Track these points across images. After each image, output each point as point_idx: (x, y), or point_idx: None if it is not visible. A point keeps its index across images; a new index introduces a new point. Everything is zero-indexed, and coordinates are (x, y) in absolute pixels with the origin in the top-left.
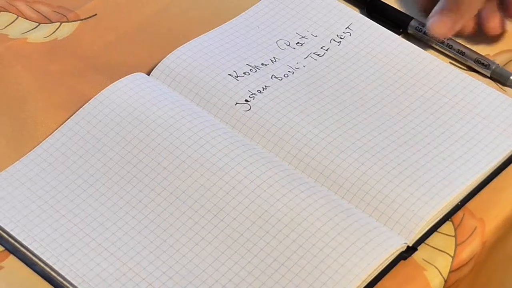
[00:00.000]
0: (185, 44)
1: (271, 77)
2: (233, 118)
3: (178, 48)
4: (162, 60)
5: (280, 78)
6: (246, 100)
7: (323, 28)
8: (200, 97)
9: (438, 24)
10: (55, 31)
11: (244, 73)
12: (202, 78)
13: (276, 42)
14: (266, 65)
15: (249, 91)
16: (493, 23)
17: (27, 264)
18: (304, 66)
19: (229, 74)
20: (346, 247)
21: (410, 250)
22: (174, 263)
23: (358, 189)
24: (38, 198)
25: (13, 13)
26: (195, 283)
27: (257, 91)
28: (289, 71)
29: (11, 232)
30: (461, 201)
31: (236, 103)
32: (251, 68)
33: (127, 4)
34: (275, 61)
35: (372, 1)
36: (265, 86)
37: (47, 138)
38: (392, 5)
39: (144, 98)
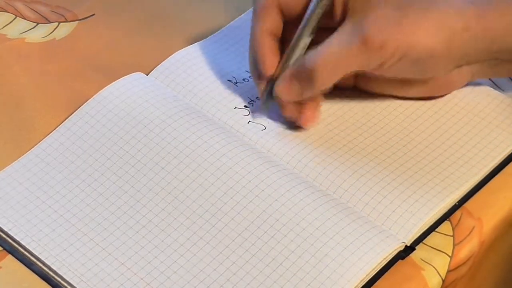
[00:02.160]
0: (186, 48)
1: None
2: (232, 119)
3: (178, 52)
4: (162, 63)
5: None
6: (245, 106)
7: None
8: (199, 98)
9: (284, 90)
10: (53, 31)
11: (243, 79)
12: (201, 81)
13: None
14: None
15: (248, 97)
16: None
17: (25, 264)
18: None
19: (229, 80)
20: (344, 246)
21: (408, 250)
22: (172, 262)
23: (357, 189)
24: (36, 198)
25: (11, 13)
26: (193, 282)
27: (256, 98)
28: None
29: (9, 232)
30: (459, 201)
31: (235, 107)
32: (250, 75)
33: (125, 4)
34: None
35: None
36: None
37: (45, 138)
38: None
39: (143, 98)
